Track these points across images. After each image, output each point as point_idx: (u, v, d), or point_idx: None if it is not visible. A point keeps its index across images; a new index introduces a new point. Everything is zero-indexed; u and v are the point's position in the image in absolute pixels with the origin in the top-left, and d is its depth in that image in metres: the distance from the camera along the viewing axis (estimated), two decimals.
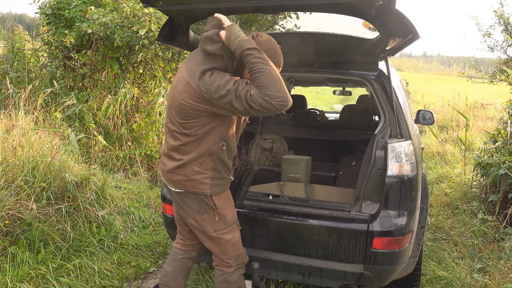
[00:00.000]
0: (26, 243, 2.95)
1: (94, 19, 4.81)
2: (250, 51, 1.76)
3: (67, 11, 5.10)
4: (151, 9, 4.69)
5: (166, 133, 2.06)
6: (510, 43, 9.10)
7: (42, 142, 3.62)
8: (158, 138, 5.36)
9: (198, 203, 2.01)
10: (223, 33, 1.82)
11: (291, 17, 4.91)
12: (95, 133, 4.75)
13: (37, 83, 5.30)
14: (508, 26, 9.01)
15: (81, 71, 5.18)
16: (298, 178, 3.33)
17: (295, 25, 4.13)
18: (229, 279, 2.15)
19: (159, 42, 4.58)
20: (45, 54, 5.81)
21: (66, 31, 5.14)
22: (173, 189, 2.06)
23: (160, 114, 5.37)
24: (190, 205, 2.04)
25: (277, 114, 1.77)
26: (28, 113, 4.01)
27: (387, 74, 2.47)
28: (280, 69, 1.98)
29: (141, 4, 4.00)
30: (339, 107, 11.07)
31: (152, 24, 4.69)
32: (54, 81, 5.19)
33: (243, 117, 2.09)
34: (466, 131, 5.89)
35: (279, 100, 1.71)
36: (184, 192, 2.02)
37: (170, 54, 5.33)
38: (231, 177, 2.11)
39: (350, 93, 6.28)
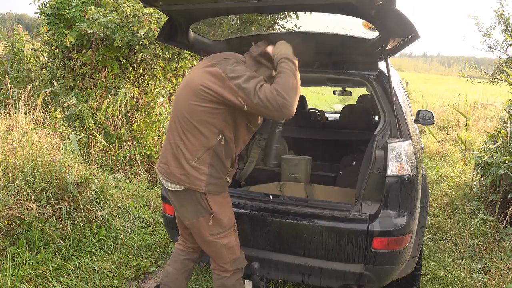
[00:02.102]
0: (26, 243, 2.95)
1: (94, 19, 4.81)
2: (287, 61, 1.91)
3: (67, 11, 5.10)
4: (151, 9, 4.69)
5: (168, 127, 2.07)
6: (510, 43, 9.10)
7: (42, 142, 3.62)
8: (158, 138, 5.35)
9: (194, 205, 2.00)
10: (270, 48, 2.04)
11: (291, 17, 4.91)
12: (95, 133, 4.75)
13: (37, 83, 5.30)
14: (508, 26, 9.01)
15: (81, 71, 5.18)
16: (298, 178, 3.33)
17: (295, 25, 4.13)
18: (226, 284, 2.15)
19: (159, 42, 4.59)
20: (45, 54, 5.81)
21: (66, 31, 5.14)
22: (169, 188, 2.05)
23: (160, 114, 5.36)
24: (186, 206, 2.03)
25: (271, 118, 1.81)
26: (28, 113, 4.01)
27: (387, 74, 2.47)
28: None
29: (141, 4, 4.00)
30: (339, 107, 11.06)
31: (152, 24, 4.69)
32: (54, 81, 5.19)
33: (246, 124, 2.06)
34: (466, 131, 5.89)
35: (283, 101, 1.78)
36: (180, 192, 2.01)
37: (170, 54, 5.33)
38: (229, 179, 2.10)
39: (350, 93, 6.27)
